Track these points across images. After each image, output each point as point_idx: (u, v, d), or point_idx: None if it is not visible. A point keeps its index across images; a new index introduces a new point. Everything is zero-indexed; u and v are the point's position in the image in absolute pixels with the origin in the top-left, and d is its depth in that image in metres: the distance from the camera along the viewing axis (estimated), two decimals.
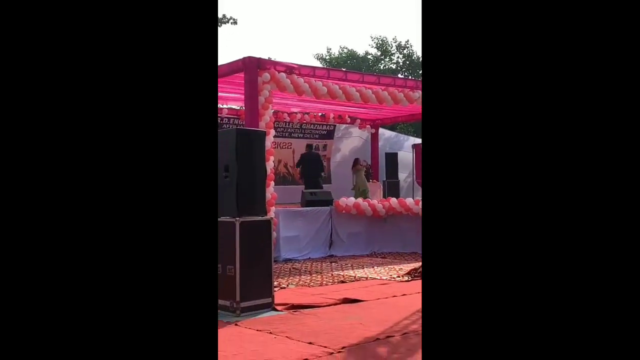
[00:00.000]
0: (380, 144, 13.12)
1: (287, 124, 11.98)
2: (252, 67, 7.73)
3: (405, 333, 3.94)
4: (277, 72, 7.85)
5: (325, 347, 3.59)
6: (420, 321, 4.32)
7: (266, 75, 7.72)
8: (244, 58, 7.79)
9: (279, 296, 5.13)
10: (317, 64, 25.49)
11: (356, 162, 11.82)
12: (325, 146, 12.88)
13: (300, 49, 46.61)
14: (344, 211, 8.86)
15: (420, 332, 3.98)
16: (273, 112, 8.42)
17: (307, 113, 11.74)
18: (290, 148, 12.35)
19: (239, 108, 11.18)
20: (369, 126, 12.74)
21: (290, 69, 8.06)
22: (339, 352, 3.49)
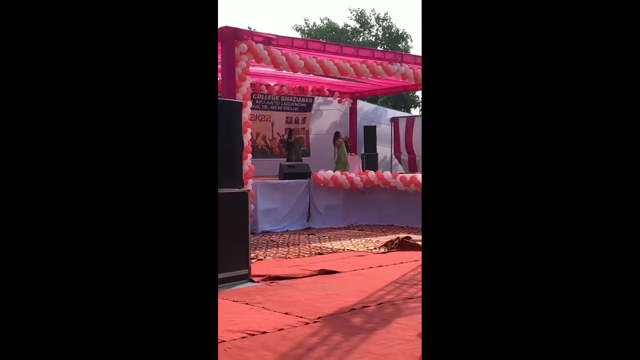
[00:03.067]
0: (358, 117, 13.11)
1: (266, 96, 11.88)
2: (229, 37, 7.60)
3: (381, 303, 4.00)
4: (254, 43, 7.73)
5: (301, 317, 3.62)
6: (395, 291, 4.39)
7: (243, 46, 7.60)
8: (221, 28, 7.65)
9: (256, 268, 5.16)
10: (296, 35, 25.16)
11: (337, 135, 11.81)
12: (304, 119, 12.82)
13: (278, 19, 45.86)
14: (322, 184, 8.88)
15: (395, 302, 4.05)
16: (251, 83, 8.32)
17: (285, 85, 11.63)
18: (270, 121, 12.27)
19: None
20: (348, 99, 12.69)
21: (268, 39, 7.94)
22: (315, 322, 3.53)
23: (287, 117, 12.54)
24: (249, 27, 22.07)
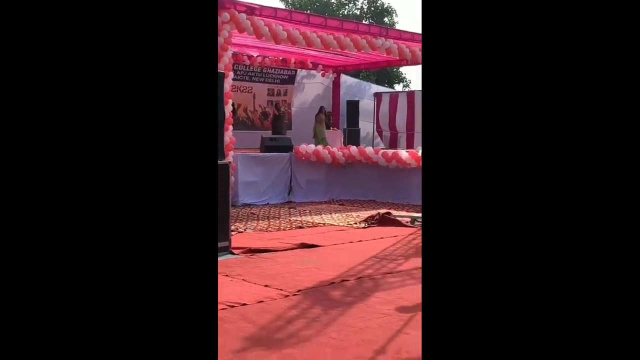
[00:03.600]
0: (342, 91, 13.02)
1: (247, 67, 11.71)
2: None
3: (360, 277, 4.03)
4: (237, 12, 7.58)
5: (280, 289, 3.64)
6: (375, 266, 4.42)
7: (225, 15, 7.45)
8: None
9: (236, 240, 5.15)
10: (280, 6, 24.74)
11: (320, 110, 11.73)
12: (286, 91, 12.70)
13: None
14: (303, 158, 8.85)
15: (374, 276, 4.08)
16: (232, 53, 8.19)
17: (268, 57, 11.47)
18: (251, 92, 12.13)
19: None
20: (330, 72, 12.58)
21: (251, 9, 7.79)
22: (295, 294, 3.54)
23: (268, 89, 12.41)
24: None
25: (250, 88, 12.07)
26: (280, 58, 11.62)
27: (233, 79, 8.25)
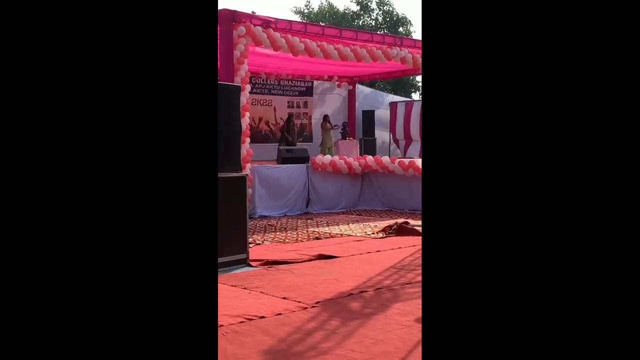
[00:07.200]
0: (358, 101, 13.04)
1: (265, 80, 11.79)
2: (227, 19, 7.53)
3: (379, 288, 4.01)
4: (253, 26, 7.66)
5: (299, 302, 3.63)
6: (393, 276, 4.39)
7: (242, 29, 7.53)
8: (219, 10, 7.56)
9: (254, 252, 5.15)
10: (296, 18, 24.90)
11: (325, 119, 11.79)
12: (305, 103, 12.75)
13: (278, 3, 45.13)
14: (320, 168, 8.86)
15: (393, 287, 4.05)
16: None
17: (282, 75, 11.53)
18: (271, 105, 12.21)
19: None
20: (346, 83, 12.61)
21: (266, 22, 7.87)
22: (313, 307, 3.53)
23: (288, 102, 12.48)
24: (253, 11, 21.84)
25: (270, 101, 12.15)
26: (296, 70, 11.68)
27: (252, 93, 8.31)
